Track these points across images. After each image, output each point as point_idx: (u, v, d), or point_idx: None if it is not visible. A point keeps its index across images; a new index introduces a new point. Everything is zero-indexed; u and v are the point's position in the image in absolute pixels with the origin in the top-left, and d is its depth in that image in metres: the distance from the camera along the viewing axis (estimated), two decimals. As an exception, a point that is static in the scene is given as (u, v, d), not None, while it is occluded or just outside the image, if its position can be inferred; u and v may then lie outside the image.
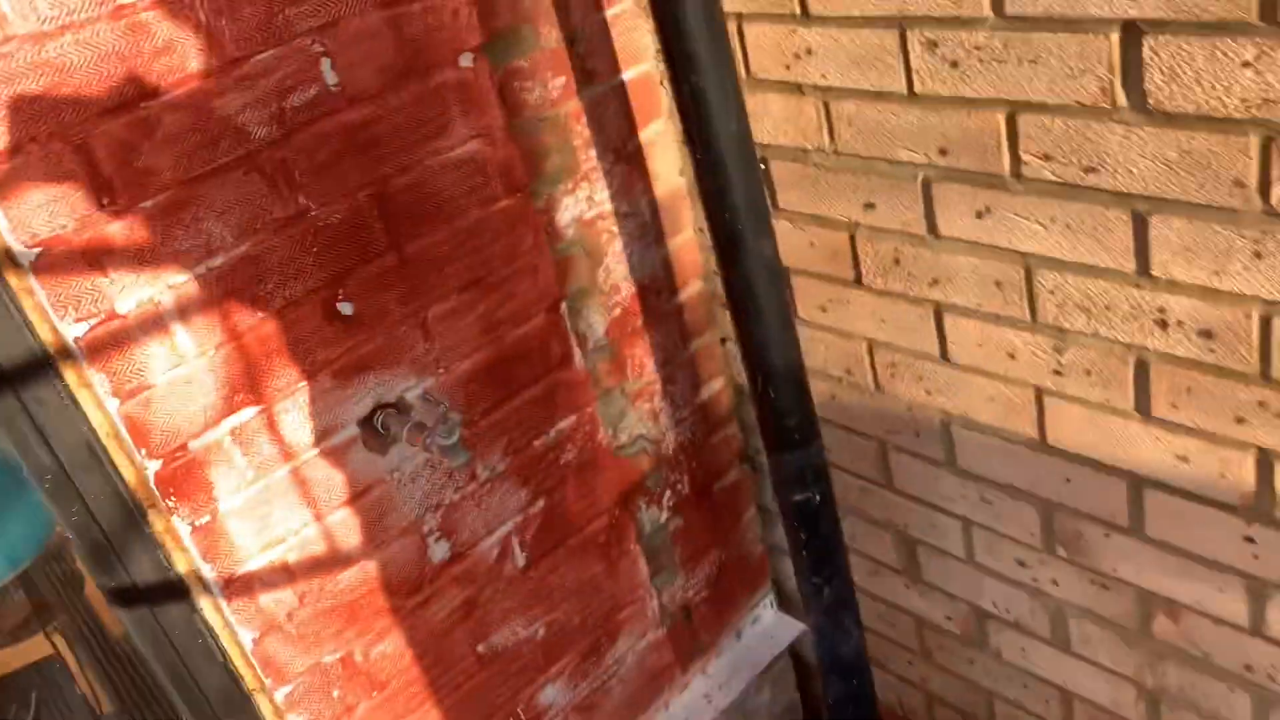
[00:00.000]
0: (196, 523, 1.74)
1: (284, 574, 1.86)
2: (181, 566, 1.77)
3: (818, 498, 2.05)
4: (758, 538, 2.70)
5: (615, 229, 2.16)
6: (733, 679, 2.65)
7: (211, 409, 1.71)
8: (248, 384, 1.74)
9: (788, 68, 1.85)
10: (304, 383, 1.81)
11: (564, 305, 2.12)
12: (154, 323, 1.63)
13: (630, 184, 2.16)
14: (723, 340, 2.45)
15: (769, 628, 2.77)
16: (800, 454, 2.01)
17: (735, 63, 1.77)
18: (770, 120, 1.94)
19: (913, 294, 1.90)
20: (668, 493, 2.44)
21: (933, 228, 1.78)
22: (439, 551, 2.06)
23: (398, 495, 1.97)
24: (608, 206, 2.13)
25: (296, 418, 1.81)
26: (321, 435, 1.85)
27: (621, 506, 2.35)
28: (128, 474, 1.68)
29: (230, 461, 1.75)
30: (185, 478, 1.71)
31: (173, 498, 1.70)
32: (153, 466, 1.67)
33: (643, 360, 2.29)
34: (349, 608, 1.96)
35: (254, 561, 1.82)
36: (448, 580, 2.09)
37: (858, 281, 1.99)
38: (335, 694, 1.99)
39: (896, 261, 1.89)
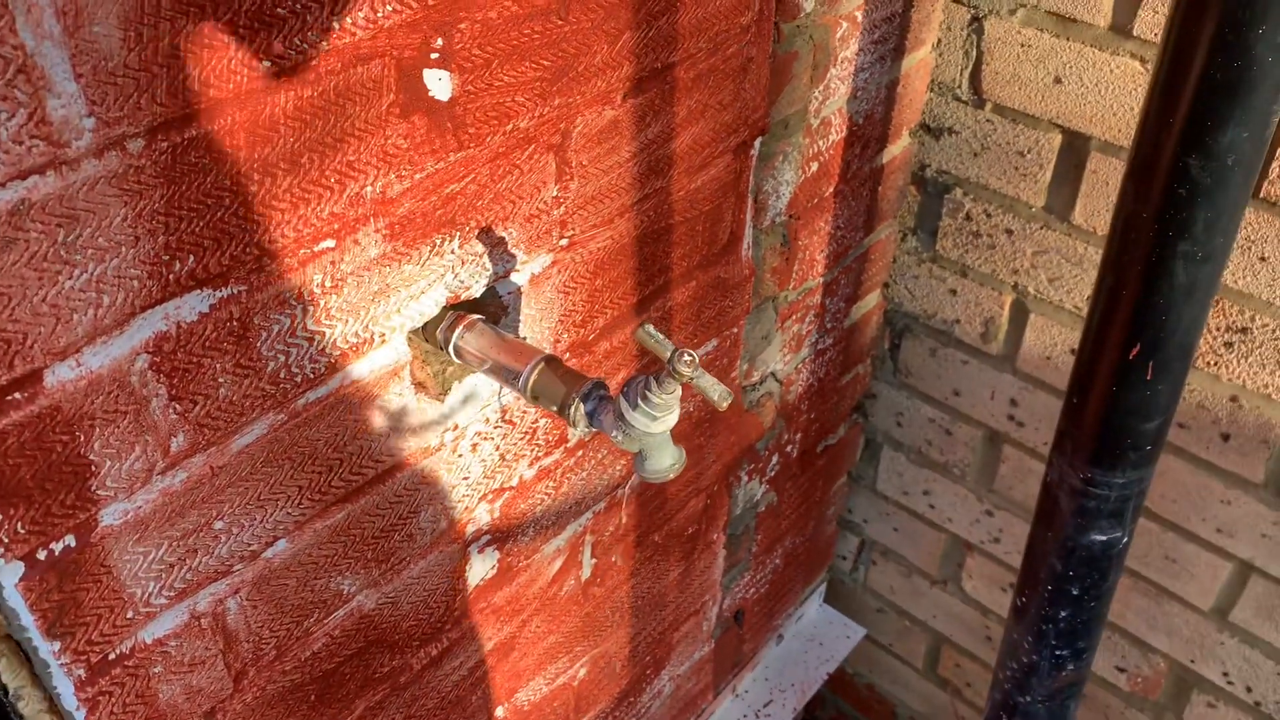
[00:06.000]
0: (50, 549, 0.70)
1: (213, 635, 0.86)
2: (-15, 641, 0.73)
3: (1125, 540, 1.25)
4: (837, 513, 1.89)
5: (860, 16, 1.19)
6: (774, 702, 1.86)
7: (109, 286, 0.66)
8: (204, 237, 0.69)
9: None
10: (331, 242, 0.78)
11: (758, 143, 1.15)
12: (-14, 34, 0.55)
13: (896, -59, 1.19)
14: (904, 235, 1.56)
15: (815, 628, 1.99)
16: (1136, 476, 1.18)
17: None
18: None
19: None
20: (775, 458, 1.56)
21: None
22: (480, 569, 1.11)
23: (445, 475, 0.99)
24: (867, -26, 1.16)
25: (294, 319, 0.78)
26: (341, 357, 0.83)
27: (722, 480, 1.46)
28: None
29: (140, 417, 0.71)
30: (29, 445, 0.66)
31: (-12, 502, 0.66)
32: (-59, 426, 0.62)
33: (815, 255, 1.37)
34: (319, 684, 0.98)
35: (156, 624, 0.81)
36: (483, 613, 1.14)
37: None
38: (267, 833, 1.02)
39: None
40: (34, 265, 0.62)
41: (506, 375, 0.87)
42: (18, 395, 0.65)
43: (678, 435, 1.26)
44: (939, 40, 1.38)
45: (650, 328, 0.76)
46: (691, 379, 0.74)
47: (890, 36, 1.26)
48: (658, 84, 0.97)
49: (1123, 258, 1.06)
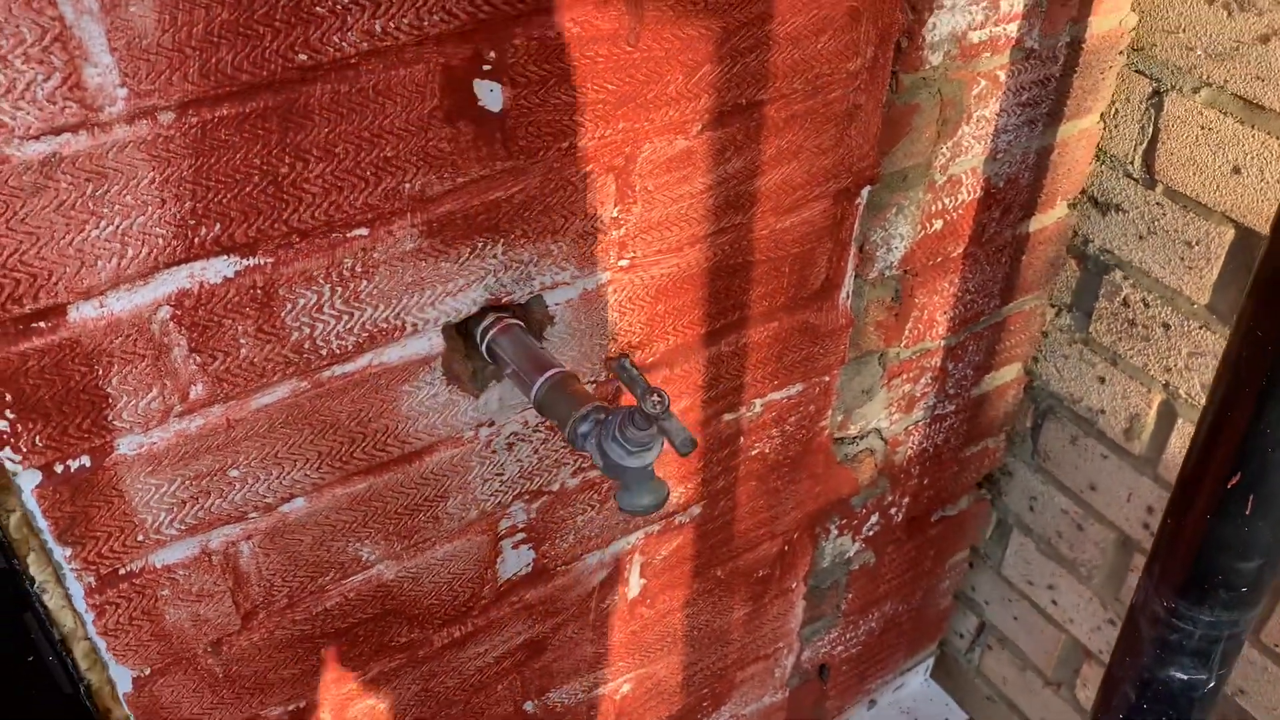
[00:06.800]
0: (66, 465, 0.79)
1: (223, 573, 0.93)
2: (18, 545, 0.83)
3: (1211, 684, 1.12)
4: (952, 587, 1.79)
5: (1004, 76, 1.13)
6: (849, 768, 1.80)
7: (134, 240, 0.73)
8: (231, 208, 0.75)
9: None
10: (364, 230, 0.82)
11: (865, 192, 1.11)
12: None
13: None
14: (1059, 310, 1.46)
15: (913, 701, 1.89)
16: (1228, 617, 1.06)
17: None
18: None
19: None
20: (874, 517, 1.50)
21: None
22: (514, 563, 1.13)
23: (477, 467, 1.02)
24: (1014, 28, 1.09)
25: (321, 296, 0.83)
26: (369, 339, 0.88)
27: (806, 529, 1.41)
28: (-89, 337, 0.71)
29: (159, 362, 0.79)
30: (49, 369, 0.74)
31: (7, 414, 0.74)
32: (-30, 340, 0.71)
33: (935, 316, 1.30)
34: (334, 638, 1.04)
35: (166, 552, 0.89)
36: (513, 608, 1.17)
37: None
38: (270, 766, 1.09)
39: None
40: (62, 212, 0.69)
41: (523, 384, 0.88)
42: (41, 324, 0.73)
43: (749, 474, 1.24)
44: (1114, 111, 1.28)
45: (626, 362, 0.76)
46: (656, 420, 0.73)
47: (1042, 100, 1.18)
48: (741, 120, 0.96)
49: (1236, 376, 0.95)
